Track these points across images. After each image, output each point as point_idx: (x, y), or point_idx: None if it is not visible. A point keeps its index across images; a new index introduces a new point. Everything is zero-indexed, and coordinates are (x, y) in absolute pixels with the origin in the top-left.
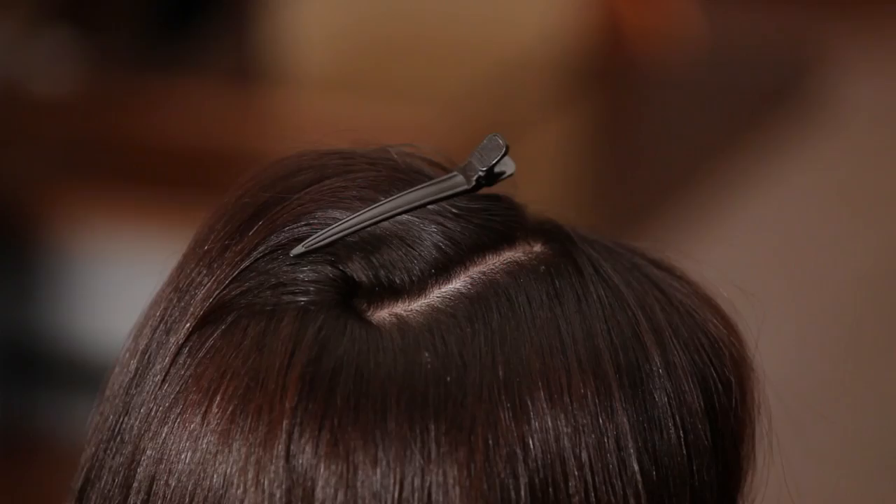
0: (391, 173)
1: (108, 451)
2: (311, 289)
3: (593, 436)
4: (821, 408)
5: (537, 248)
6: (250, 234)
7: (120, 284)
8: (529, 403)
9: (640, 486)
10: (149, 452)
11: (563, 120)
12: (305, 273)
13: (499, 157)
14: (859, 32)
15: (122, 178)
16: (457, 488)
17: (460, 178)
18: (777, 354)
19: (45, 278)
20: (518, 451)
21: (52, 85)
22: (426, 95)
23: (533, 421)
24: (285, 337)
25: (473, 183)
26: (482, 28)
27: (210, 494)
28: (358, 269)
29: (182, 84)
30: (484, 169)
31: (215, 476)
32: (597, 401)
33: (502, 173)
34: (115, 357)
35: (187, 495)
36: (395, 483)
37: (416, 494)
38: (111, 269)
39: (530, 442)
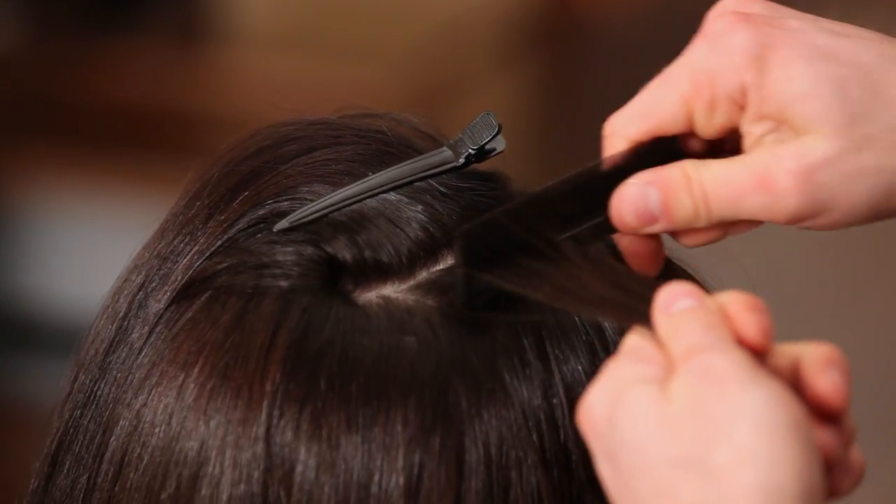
0: (380, 147)
1: (84, 416)
2: (294, 271)
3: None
4: None
5: None
6: (234, 204)
7: (70, 243)
8: (514, 387)
9: None
10: (122, 423)
11: (509, 78)
12: (288, 254)
13: (491, 137)
14: None
15: (70, 138)
16: (438, 474)
17: (449, 154)
18: None
19: None
20: (495, 439)
21: None
22: (373, 53)
23: (514, 406)
24: (267, 316)
25: (463, 160)
26: None
27: (184, 471)
28: (343, 249)
29: (129, 43)
30: (475, 147)
31: (190, 453)
32: (591, 374)
33: (493, 150)
34: (69, 319)
35: (160, 469)
36: (376, 466)
37: (397, 478)
38: (60, 227)
39: (513, 429)
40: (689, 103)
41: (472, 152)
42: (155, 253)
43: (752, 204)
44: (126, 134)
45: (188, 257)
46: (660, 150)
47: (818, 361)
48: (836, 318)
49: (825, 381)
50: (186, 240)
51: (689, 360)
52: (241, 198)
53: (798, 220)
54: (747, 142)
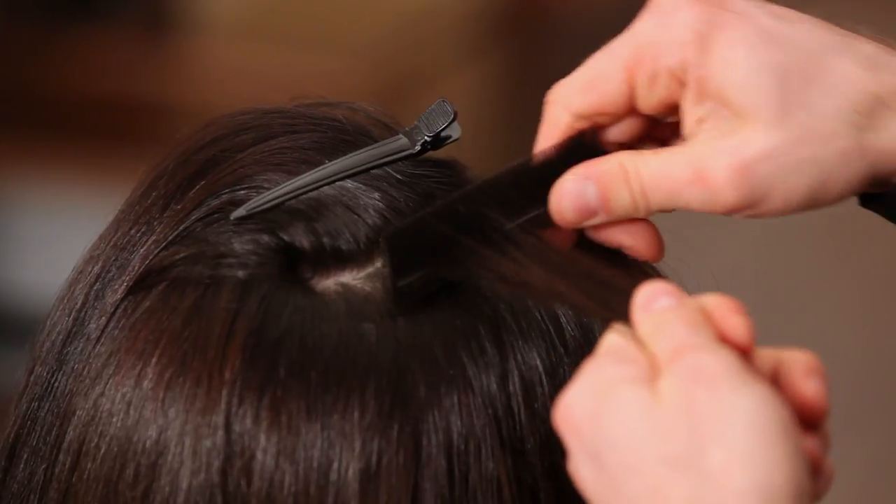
0: (336, 135)
1: (41, 408)
2: (251, 260)
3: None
4: None
5: None
6: (191, 194)
7: (33, 233)
8: (473, 374)
9: None
10: (79, 413)
11: (475, 68)
12: (245, 242)
13: (446, 124)
14: None
15: (36, 129)
16: (397, 461)
17: (405, 141)
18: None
19: None
20: (456, 425)
21: None
22: (340, 43)
23: (473, 393)
24: (226, 305)
25: (418, 148)
26: None
27: (142, 460)
28: (300, 236)
29: (96, 33)
30: (430, 135)
31: (148, 443)
32: (548, 362)
33: (448, 137)
34: (33, 310)
35: (118, 459)
36: (336, 453)
37: (355, 466)
38: (28, 219)
39: (473, 416)
40: (632, 76)
41: (428, 140)
42: (111, 243)
43: (689, 196)
44: (93, 124)
45: (145, 247)
46: (587, 143)
47: (802, 368)
48: (785, 312)
49: (810, 388)
50: (143, 230)
51: (677, 359)
52: (197, 187)
53: (735, 211)
54: (687, 122)
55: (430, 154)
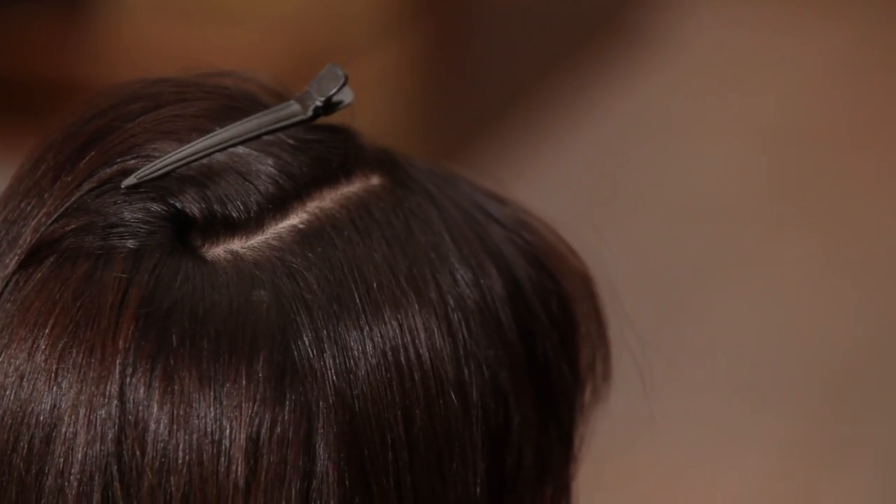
0: (226, 102)
1: None
2: (142, 229)
3: (429, 370)
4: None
5: (374, 181)
6: (81, 165)
7: None
8: (358, 345)
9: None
10: None
11: (392, 45)
12: (135, 211)
13: (337, 88)
14: None
15: None
16: (289, 429)
17: (297, 107)
18: (618, 284)
19: None
20: (348, 393)
21: None
22: (253, 18)
23: (359, 360)
24: (118, 274)
25: (311, 113)
26: None
27: (37, 431)
28: (191, 203)
29: (12, 12)
30: (322, 99)
31: (42, 415)
32: (438, 341)
33: (340, 103)
34: None
35: (12, 432)
36: (228, 421)
37: (246, 433)
38: None
39: (363, 384)
40: None
41: (320, 105)
42: (1, 219)
43: None
44: (11, 103)
45: (36, 220)
46: None
47: None
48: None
49: None
50: (33, 203)
51: None
52: (87, 158)
53: None
54: None
55: (323, 119)
